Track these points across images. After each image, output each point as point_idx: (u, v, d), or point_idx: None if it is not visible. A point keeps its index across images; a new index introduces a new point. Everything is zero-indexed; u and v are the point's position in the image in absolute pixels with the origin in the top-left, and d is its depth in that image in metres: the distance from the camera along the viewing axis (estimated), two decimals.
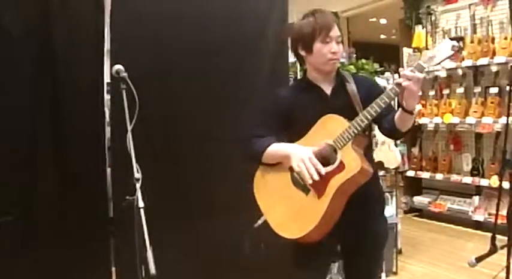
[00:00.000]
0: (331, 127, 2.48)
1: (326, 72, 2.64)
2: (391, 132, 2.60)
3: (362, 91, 2.63)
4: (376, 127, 2.79)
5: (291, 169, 2.53)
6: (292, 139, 2.60)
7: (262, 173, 2.69)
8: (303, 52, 2.63)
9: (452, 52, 2.31)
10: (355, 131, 2.41)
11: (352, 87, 2.64)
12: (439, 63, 2.36)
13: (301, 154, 2.46)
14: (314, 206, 2.45)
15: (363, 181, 2.45)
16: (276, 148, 2.58)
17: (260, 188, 2.69)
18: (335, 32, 2.55)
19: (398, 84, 2.31)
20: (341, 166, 2.42)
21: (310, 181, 2.41)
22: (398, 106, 2.43)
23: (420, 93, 2.41)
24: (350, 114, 2.49)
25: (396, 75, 5.85)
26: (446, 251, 6.01)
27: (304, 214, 2.48)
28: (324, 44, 2.54)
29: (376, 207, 2.78)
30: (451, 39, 2.33)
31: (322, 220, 2.43)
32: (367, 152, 2.59)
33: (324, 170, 2.41)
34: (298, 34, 2.62)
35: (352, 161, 2.41)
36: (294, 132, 2.62)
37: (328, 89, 2.66)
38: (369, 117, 2.39)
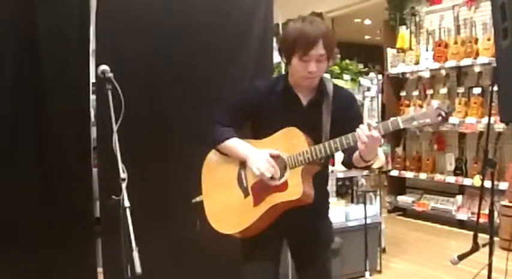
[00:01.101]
0: (291, 142, 2.44)
1: (302, 85, 2.53)
2: (347, 166, 2.63)
3: (337, 110, 2.54)
4: None
5: (241, 166, 2.55)
6: (251, 136, 2.61)
7: (215, 157, 2.67)
8: (283, 60, 2.53)
9: (438, 120, 2.19)
10: (310, 158, 2.39)
11: (329, 103, 2.53)
12: (417, 127, 2.27)
13: (258, 156, 2.45)
14: (248, 211, 2.49)
15: (302, 204, 2.42)
16: (235, 145, 2.55)
17: (208, 170, 2.69)
18: (317, 50, 2.37)
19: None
20: (284, 186, 2.42)
21: (273, 184, 2.43)
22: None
23: (380, 144, 2.35)
24: (316, 133, 2.47)
25: (380, 76, 5.90)
26: (429, 249, 6.07)
27: (237, 214, 2.52)
28: (302, 61, 2.40)
29: (320, 209, 2.72)
30: (441, 111, 2.17)
31: (251, 226, 2.47)
32: (320, 172, 2.55)
33: (272, 181, 2.44)
34: (282, 41, 2.49)
35: (295, 186, 2.40)
36: (256, 130, 2.61)
37: (305, 100, 2.55)
38: (328, 151, 2.37)
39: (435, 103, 2.30)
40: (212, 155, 2.69)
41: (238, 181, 2.56)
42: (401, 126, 2.24)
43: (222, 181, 2.61)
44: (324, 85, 2.57)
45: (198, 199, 2.69)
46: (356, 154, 2.41)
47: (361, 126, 2.26)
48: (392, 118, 2.26)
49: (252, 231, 2.49)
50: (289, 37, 2.41)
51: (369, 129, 2.23)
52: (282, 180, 2.43)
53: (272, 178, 2.43)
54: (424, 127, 2.26)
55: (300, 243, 2.72)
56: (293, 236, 2.69)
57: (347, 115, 2.54)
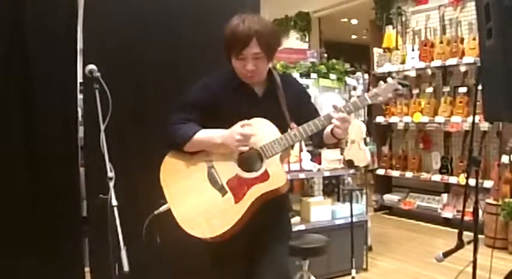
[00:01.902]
0: (259, 132, 2.43)
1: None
2: (319, 146, 2.67)
3: (289, 96, 2.58)
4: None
5: (209, 164, 2.48)
6: None
7: (174, 159, 2.56)
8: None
9: (393, 96, 2.40)
10: (287, 144, 2.41)
11: (281, 91, 2.57)
12: (382, 102, 2.43)
13: (228, 132, 2.40)
14: (229, 209, 2.41)
15: (283, 191, 2.46)
16: (206, 135, 2.47)
17: (169, 174, 2.55)
18: (251, 48, 2.38)
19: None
20: (265, 176, 2.41)
21: (244, 176, 2.41)
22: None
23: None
24: (279, 119, 2.49)
25: (366, 75, 5.94)
26: (415, 247, 6.11)
27: (218, 215, 2.41)
28: (238, 60, 2.43)
29: (281, 205, 2.70)
30: (400, 83, 2.41)
31: (236, 224, 2.39)
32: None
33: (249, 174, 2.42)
34: (223, 38, 2.48)
35: (277, 174, 2.42)
36: (218, 126, 2.48)
37: (259, 90, 2.57)
38: (304, 134, 2.40)
39: (390, 80, 2.45)
40: (170, 159, 2.58)
41: (211, 181, 2.47)
42: (369, 102, 2.38)
43: (190, 184, 2.50)
44: (273, 75, 2.60)
45: (162, 209, 2.53)
46: (326, 131, 2.48)
47: (332, 108, 2.37)
48: (359, 95, 2.46)
49: (236, 229, 2.40)
50: (225, 36, 2.44)
51: (337, 111, 2.34)
52: (261, 171, 2.42)
53: (248, 169, 2.43)
54: (387, 101, 2.44)
55: (261, 239, 2.60)
56: (258, 233, 2.56)
57: (299, 100, 2.62)
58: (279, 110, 2.53)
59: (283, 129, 2.48)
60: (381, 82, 2.46)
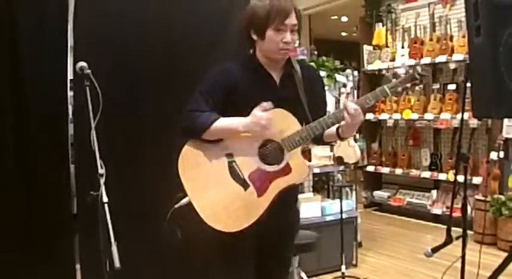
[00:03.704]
0: (280, 124, 2.42)
1: (276, 60, 2.52)
2: (318, 143, 2.67)
3: (307, 84, 2.58)
4: None
5: (229, 158, 2.45)
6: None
7: (194, 151, 2.50)
8: (254, 37, 2.48)
9: (410, 86, 2.42)
10: (307, 137, 2.41)
11: (299, 76, 2.56)
12: (399, 93, 2.48)
13: (249, 119, 2.37)
14: (253, 203, 2.41)
15: (300, 183, 2.49)
16: (226, 123, 2.43)
17: (189, 167, 2.47)
18: (291, 19, 2.41)
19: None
20: (287, 169, 2.42)
21: (266, 169, 2.41)
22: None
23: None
24: (297, 107, 2.48)
25: (356, 73, 5.96)
26: (405, 243, 6.15)
27: (242, 208, 2.40)
28: (278, 32, 2.40)
29: (292, 197, 2.73)
30: (419, 74, 2.41)
31: (260, 218, 2.39)
32: None
33: (271, 167, 2.42)
34: (252, 17, 2.45)
35: (300, 166, 2.43)
36: (235, 114, 2.45)
37: (277, 77, 2.55)
38: (325, 127, 2.40)
39: (408, 69, 2.45)
40: (189, 151, 2.49)
41: (232, 175, 2.43)
42: (389, 94, 2.41)
43: (211, 177, 2.45)
44: (291, 62, 2.59)
45: (183, 201, 2.46)
46: (331, 130, 2.50)
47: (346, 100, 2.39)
48: (379, 88, 2.41)
49: (261, 219, 2.39)
50: (261, 10, 2.41)
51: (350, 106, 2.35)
52: (283, 164, 2.42)
53: (270, 162, 2.42)
54: (404, 91, 2.48)
55: (268, 235, 2.59)
56: (268, 230, 2.53)
57: (316, 88, 2.62)
58: (297, 97, 2.53)
59: (301, 116, 2.48)
60: (398, 70, 2.46)
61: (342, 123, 2.42)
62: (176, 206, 2.48)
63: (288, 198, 2.61)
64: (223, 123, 2.43)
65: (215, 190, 2.43)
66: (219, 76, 2.54)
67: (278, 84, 2.55)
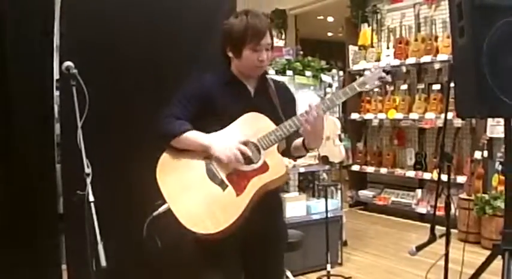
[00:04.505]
0: (255, 126, 2.49)
1: (251, 75, 2.62)
2: (287, 156, 2.69)
3: (280, 95, 2.67)
4: None
5: (206, 161, 2.47)
6: (207, 130, 2.51)
7: (171, 157, 2.54)
8: (230, 54, 2.57)
9: (379, 83, 2.54)
10: (283, 135, 2.45)
11: (273, 90, 2.65)
12: (370, 90, 2.63)
13: (224, 144, 2.43)
14: (232, 203, 2.40)
15: (282, 183, 2.52)
16: (196, 136, 2.48)
17: (166, 173, 2.51)
18: (266, 39, 2.50)
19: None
20: (264, 167, 2.44)
21: (244, 169, 2.43)
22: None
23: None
24: (272, 115, 2.53)
25: (341, 73, 5.99)
26: (390, 242, 6.20)
27: (220, 209, 2.39)
28: (253, 51, 2.49)
29: (275, 201, 2.73)
30: (384, 71, 2.53)
31: (239, 217, 2.38)
32: None
33: (249, 167, 2.44)
34: (229, 36, 2.54)
35: (277, 164, 2.45)
36: (211, 123, 2.51)
37: (252, 88, 2.63)
38: (298, 124, 2.44)
39: (373, 68, 2.61)
40: (167, 158, 2.54)
41: (210, 176, 2.45)
42: (358, 89, 2.49)
43: (188, 181, 2.47)
44: (265, 76, 2.70)
45: (161, 209, 2.43)
46: (297, 141, 2.56)
47: (309, 104, 2.42)
48: (349, 85, 2.51)
49: (239, 222, 2.38)
50: (238, 30, 2.50)
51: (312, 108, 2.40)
52: (260, 163, 2.44)
53: (247, 162, 2.44)
54: (374, 88, 2.64)
55: (256, 242, 2.61)
56: (252, 235, 2.53)
57: (287, 102, 2.69)
58: (272, 106, 2.59)
59: (276, 121, 2.51)
60: (367, 71, 2.59)
61: (301, 130, 2.46)
62: (154, 214, 2.45)
63: (272, 204, 2.63)
64: (193, 135, 2.49)
65: (193, 193, 2.44)
66: (195, 87, 2.61)
67: (253, 93, 2.63)
